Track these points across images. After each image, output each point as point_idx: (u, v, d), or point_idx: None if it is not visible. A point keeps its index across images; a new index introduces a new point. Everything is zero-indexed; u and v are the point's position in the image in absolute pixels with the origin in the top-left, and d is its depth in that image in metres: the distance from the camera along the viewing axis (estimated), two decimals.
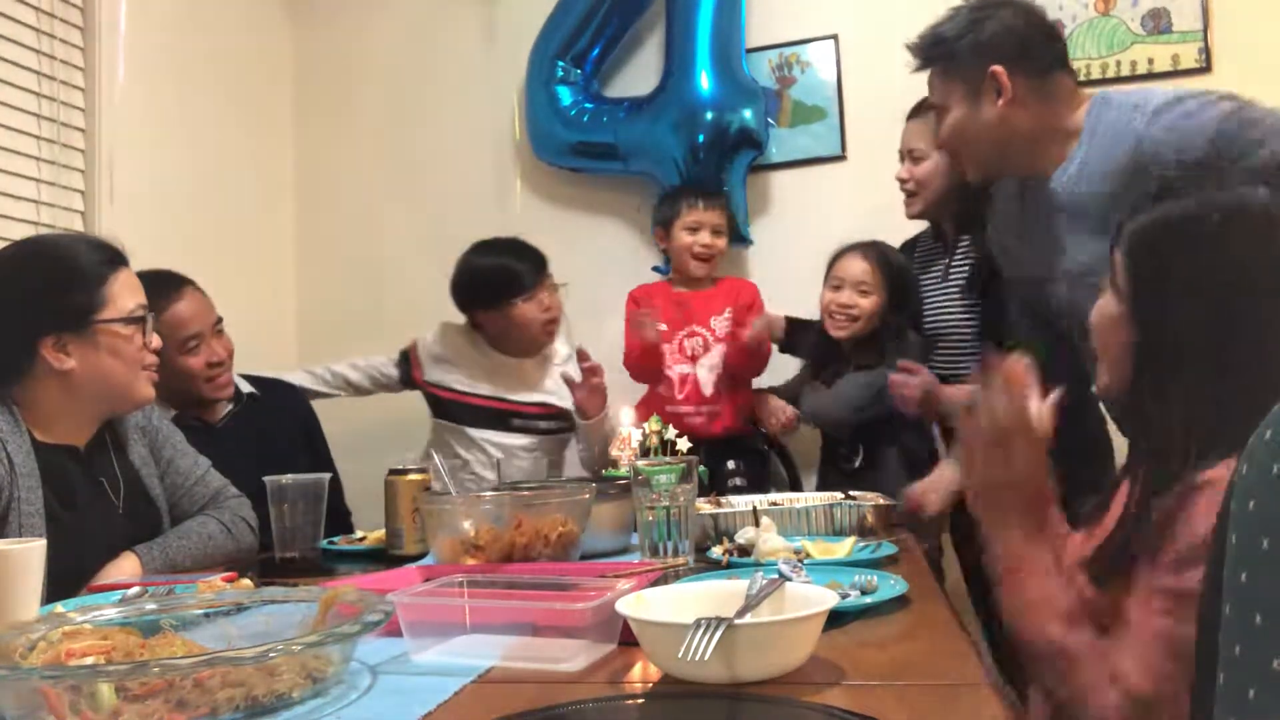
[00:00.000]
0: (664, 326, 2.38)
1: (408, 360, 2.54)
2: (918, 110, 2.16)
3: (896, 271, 2.15)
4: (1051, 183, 1.63)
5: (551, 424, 2.49)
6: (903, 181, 2.17)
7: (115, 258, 1.60)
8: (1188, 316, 1.01)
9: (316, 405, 2.51)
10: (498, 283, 2.38)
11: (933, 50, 1.68)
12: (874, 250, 2.18)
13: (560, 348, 2.52)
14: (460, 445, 2.46)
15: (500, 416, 2.45)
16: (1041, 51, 1.63)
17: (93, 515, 1.54)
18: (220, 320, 2.17)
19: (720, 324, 2.45)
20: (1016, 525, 1.10)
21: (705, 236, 2.42)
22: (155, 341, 1.63)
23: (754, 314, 2.41)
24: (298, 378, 2.52)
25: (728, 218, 2.47)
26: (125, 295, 1.57)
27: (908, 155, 2.17)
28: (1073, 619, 1.03)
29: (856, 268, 2.16)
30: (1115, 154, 1.54)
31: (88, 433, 1.59)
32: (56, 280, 1.54)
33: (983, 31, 1.62)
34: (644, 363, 2.41)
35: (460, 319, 2.52)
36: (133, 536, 1.56)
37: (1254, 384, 0.95)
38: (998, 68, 1.60)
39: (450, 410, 2.48)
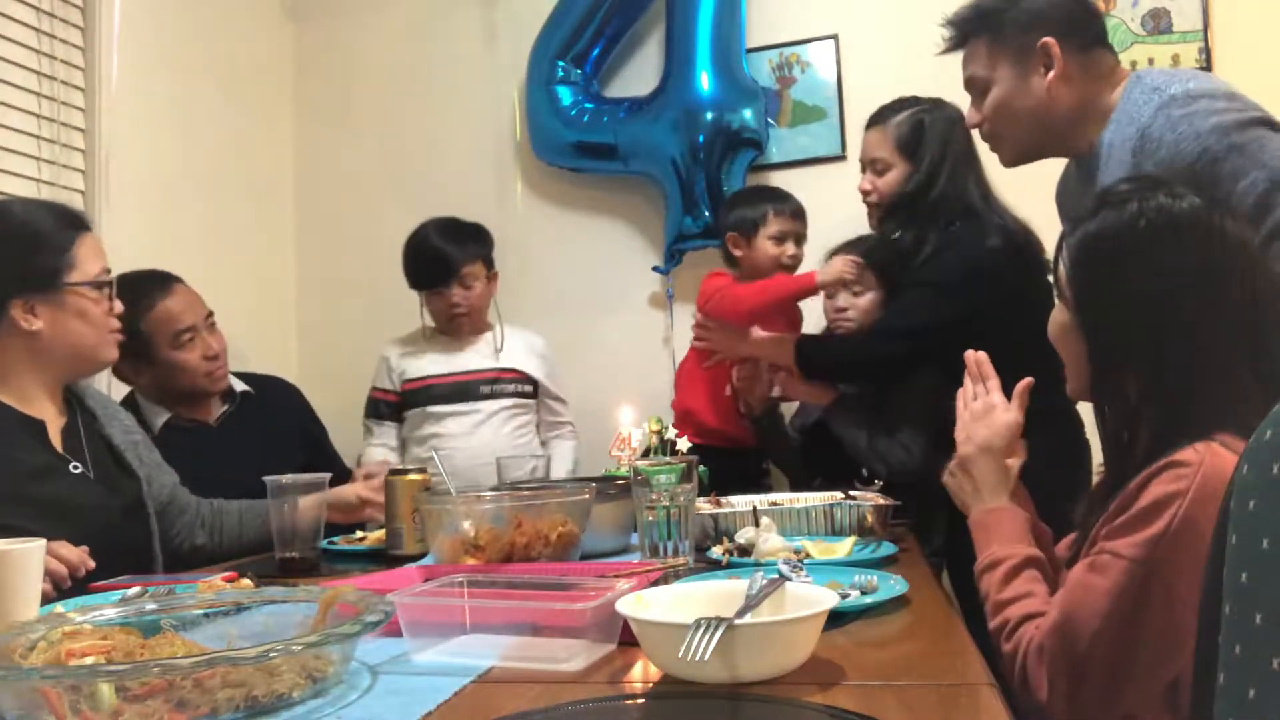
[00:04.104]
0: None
1: (378, 403, 2.55)
2: (876, 117, 2.09)
3: (881, 262, 2.11)
4: (1094, 161, 1.60)
5: (521, 387, 2.54)
6: (865, 193, 2.08)
7: (78, 222, 1.63)
8: (1126, 320, 1.09)
9: (318, 405, 2.51)
10: (416, 269, 2.52)
11: (977, 23, 1.65)
12: (856, 250, 2.15)
13: (494, 335, 2.57)
14: (432, 425, 2.48)
15: (468, 389, 2.48)
16: (1086, 27, 1.61)
17: (60, 484, 1.55)
18: (211, 314, 2.18)
19: None
20: (987, 492, 1.24)
21: (791, 247, 2.29)
22: (118, 306, 1.66)
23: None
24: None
25: (805, 224, 2.33)
26: (91, 260, 1.60)
27: (869, 166, 2.08)
28: (1024, 570, 1.13)
29: None
30: (1129, 135, 1.50)
31: (50, 402, 1.61)
32: (24, 244, 1.57)
33: (1030, 3, 1.60)
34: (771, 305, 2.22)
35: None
36: (110, 506, 1.59)
37: (1195, 378, 1.05)
38: (1049, 39, 1.57)
39: (420, 397, 2.50)
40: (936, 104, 2.05)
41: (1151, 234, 1.08)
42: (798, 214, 2.31)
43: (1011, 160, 1.72)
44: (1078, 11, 1.62)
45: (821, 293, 2.16)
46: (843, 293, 2.12)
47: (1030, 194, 1.92)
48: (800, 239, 2.31)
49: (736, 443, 2.30)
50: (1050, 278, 1.77)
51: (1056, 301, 1.21)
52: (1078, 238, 1.14)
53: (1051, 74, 1.59)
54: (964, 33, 1.67)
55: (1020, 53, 1.61)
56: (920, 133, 2.01)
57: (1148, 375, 1.07)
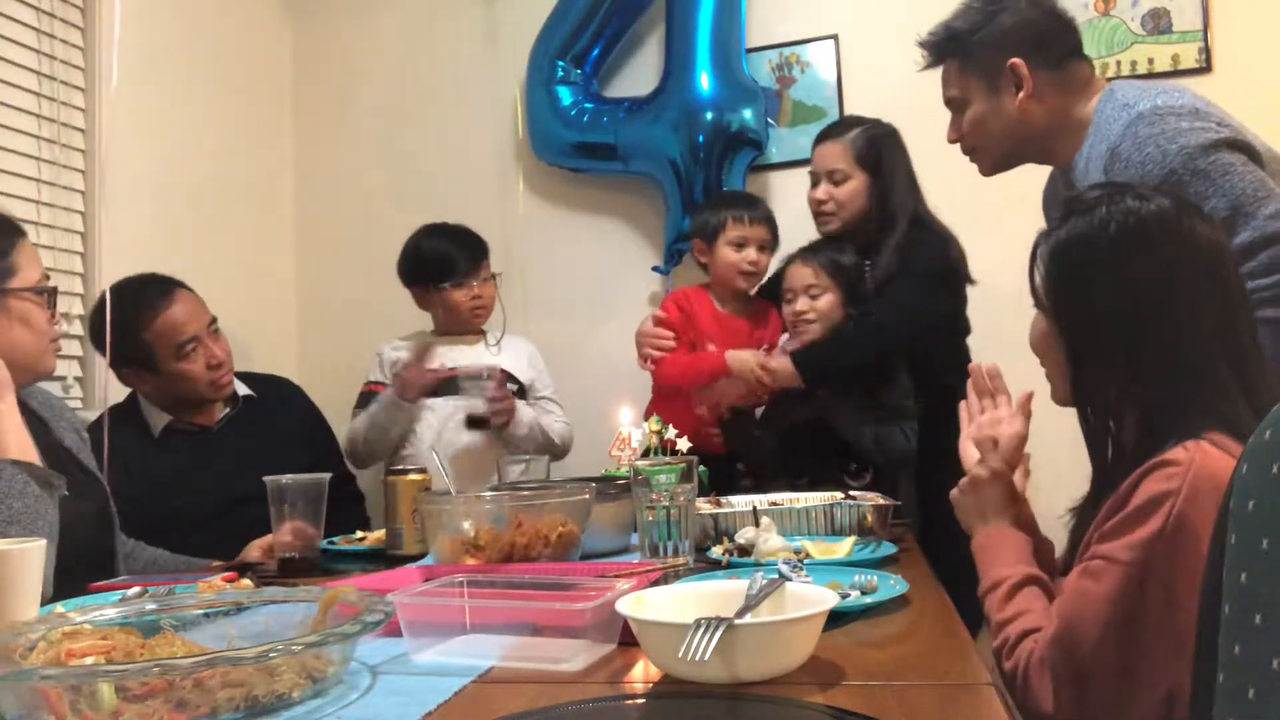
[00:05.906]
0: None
1: (368, 395, 2.50)
2: (830, 132, 2.20)
3: (839, 264, 2.14)
4: (1072, 174, 1.62)
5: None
6: (820, 203, 2.18)
7: (13, 228, 1.56)
8: (1101, 324, 1.10)
9: (319, 406, 2.51)
10: (434, 267, 2.50)
11: (947, 45, 1.66)
12: (812, 252, 2.18)
13: (491, 336, 2.60)
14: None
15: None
16: (1057, 42, 1.61)
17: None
18: (215, 320, 2.16)
19: None
20: (992, 515, 1.23)
21: (752, 253, 2.31)
22: (60, 313, 1.62)
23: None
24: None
25: (772, 230, 2.36)
26: (30, 265, 1.53)
27: (826, 177, 2.17)
28: (1023, 588, 1.12)
29: (800, 274, 2.16)
30: (1101, 153, 1.52)
31: None
32: None
33: (998, 24, 1.61)
34: (687, 387, 2.29)
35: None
36: (78, 512, 1.52)
37: (1173, 378, 1.06)
38: (1017, 60, 1.59)
39: None
40: (877, 124, 2.21)
41: (1120, 237, 1.09)
42: (760, 220, 2.33)
43: (989, 170, 1.75)
44: (1047, 26, 1.62)
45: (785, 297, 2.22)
46: (801, 297, 2.15)
47: (1015, 203, 1.92)
48: (764, 246, 2.33)
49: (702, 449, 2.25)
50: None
51: (1035, 310, 1.22)
52: (1050, 245, 1.15)
53: (1022, 94, 1.60)
54: (935, 55, 1.69)
55: (990, 74, 1.62)
56: (875, 147, 2.16)
57: (1125, 377, 1.09)
